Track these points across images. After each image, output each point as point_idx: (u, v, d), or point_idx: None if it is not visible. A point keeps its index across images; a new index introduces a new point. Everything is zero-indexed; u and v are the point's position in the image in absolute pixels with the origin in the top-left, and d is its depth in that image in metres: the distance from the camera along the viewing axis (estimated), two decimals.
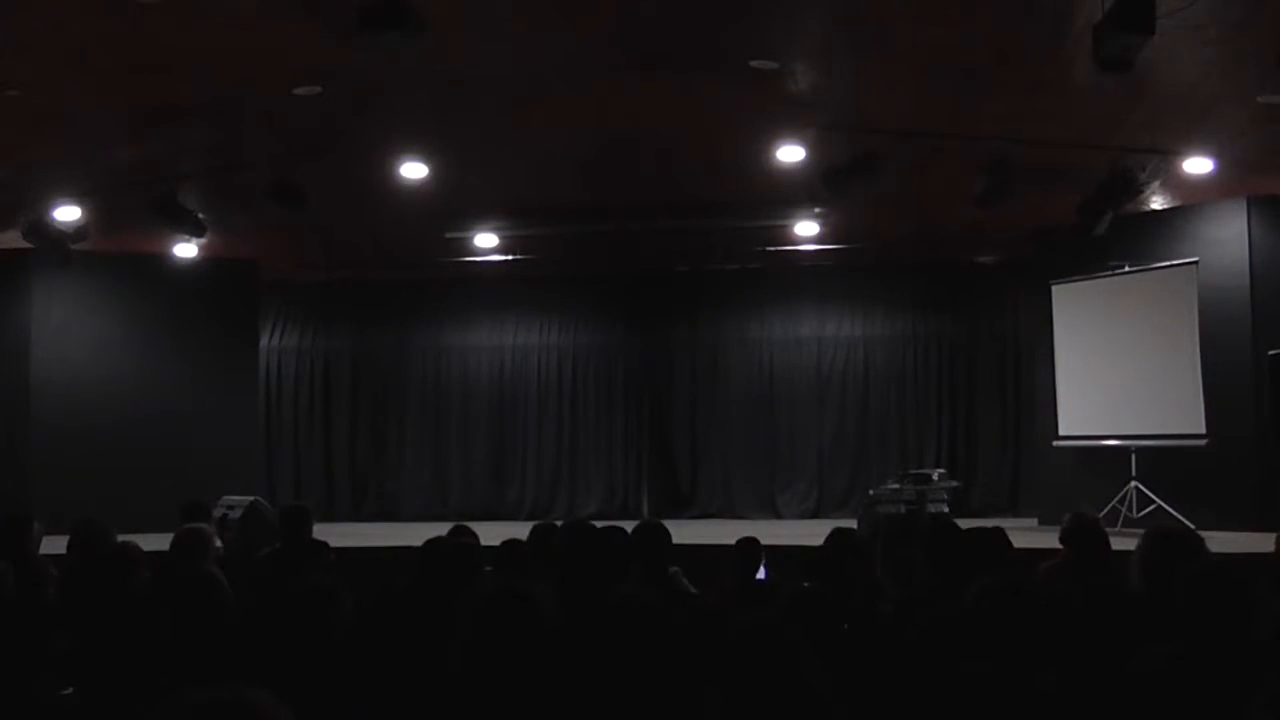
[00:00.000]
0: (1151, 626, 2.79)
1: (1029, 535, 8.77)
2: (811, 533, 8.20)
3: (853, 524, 8.28)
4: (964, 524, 4.59)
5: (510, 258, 11.82)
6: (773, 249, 11.89)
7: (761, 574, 5.60)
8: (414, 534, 4.73)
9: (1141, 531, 9.28)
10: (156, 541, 5.45)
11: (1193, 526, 8.26)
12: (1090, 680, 2.67)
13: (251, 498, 9.33)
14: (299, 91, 7.15)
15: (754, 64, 6.89)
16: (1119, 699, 2.54)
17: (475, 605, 2.64)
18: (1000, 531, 4.32)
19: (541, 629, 2.61)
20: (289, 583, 3.06)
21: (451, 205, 10.07)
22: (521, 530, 5.46)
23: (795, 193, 9.58)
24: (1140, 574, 3.32)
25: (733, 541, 5.72)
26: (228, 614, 3.41)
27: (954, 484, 10.23)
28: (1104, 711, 2.54)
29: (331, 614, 2.90)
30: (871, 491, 9.77)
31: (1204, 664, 2.48)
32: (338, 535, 9.40)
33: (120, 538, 4.77)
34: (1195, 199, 9.96)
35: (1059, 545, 4.73)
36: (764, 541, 5.80)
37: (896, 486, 9.49)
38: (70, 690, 2.91)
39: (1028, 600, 2.72)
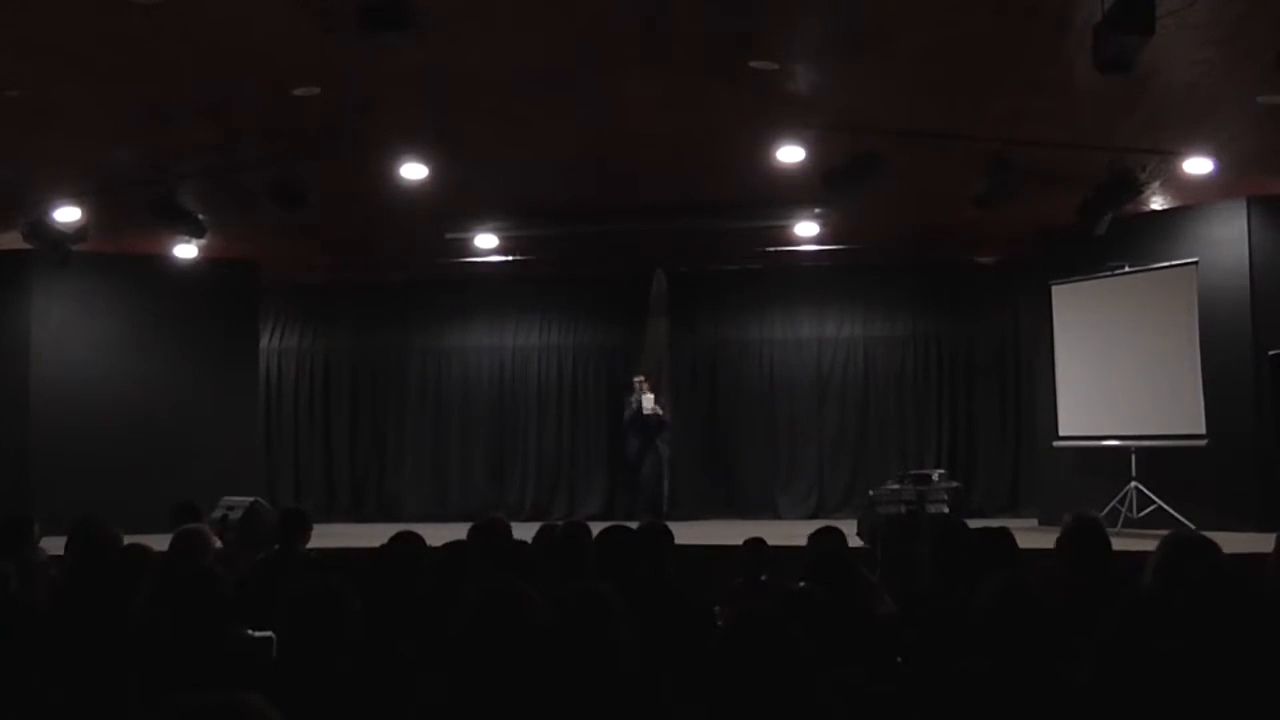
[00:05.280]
0: (1160, 626, 2.79)
1: (1029, 535, 8.75)
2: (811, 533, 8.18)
3: (844, 525, 8.26)
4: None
5: (510, 258, 11.83)
6: (773, 249, 11.89)
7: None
8: None
9: (1140, 532, 9.26)
10: (155, 543, 5.44)
11: (1193, 526, 8.26)
12: (1092, 677, 2.67)
13: (251, 498, 9.35)
14: (299, 91, 7.15)
15: (754, 64, 6.89)
16: (1120, 696, 2.54)
17: (468, 606, 2.64)
18: (1005, 532, 4.32)
19: (534, 628, 2.61)
20: (290, 586, 3.05)
21: (451, 205, 10.07)
22: (522, 532, 5.46)
23: (795, 193, 9.57)
24: (1154, 575, 3.32)
25: (731, 542, 5.74)
26: (229, 614, 3.41)
27: (954, 484, 10.22)
28: (1105, 709, 2.54)
29: (340, 617, 2.89)
30: (871, 492, 9.76)
31: (1206, 663, 2.48)
32: (338, 535, 9.44)
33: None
34: (1195, 199, 9.96)
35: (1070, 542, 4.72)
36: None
37: (896, 487, 9.48)
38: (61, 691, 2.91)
39: (1034, 599, 2.72)
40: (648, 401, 11.93)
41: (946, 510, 9.28)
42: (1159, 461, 9.62)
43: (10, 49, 6.45)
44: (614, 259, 12.29)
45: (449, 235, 10.92)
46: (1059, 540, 4.16)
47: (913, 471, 9.97)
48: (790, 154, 8.41)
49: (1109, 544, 4.17)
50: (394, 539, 4.57)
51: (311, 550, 5.87)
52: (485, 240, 11.14)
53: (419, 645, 3.27)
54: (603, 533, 4.67)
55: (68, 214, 9.47)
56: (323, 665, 2.78)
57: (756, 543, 5.76)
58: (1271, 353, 9.28)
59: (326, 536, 8.05)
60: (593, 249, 11.62)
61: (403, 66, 6.43)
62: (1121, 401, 10.06)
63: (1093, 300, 10.41)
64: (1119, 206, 8.82)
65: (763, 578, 5.54)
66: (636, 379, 12.25)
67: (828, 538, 4.85)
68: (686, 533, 7.98)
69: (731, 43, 6.62)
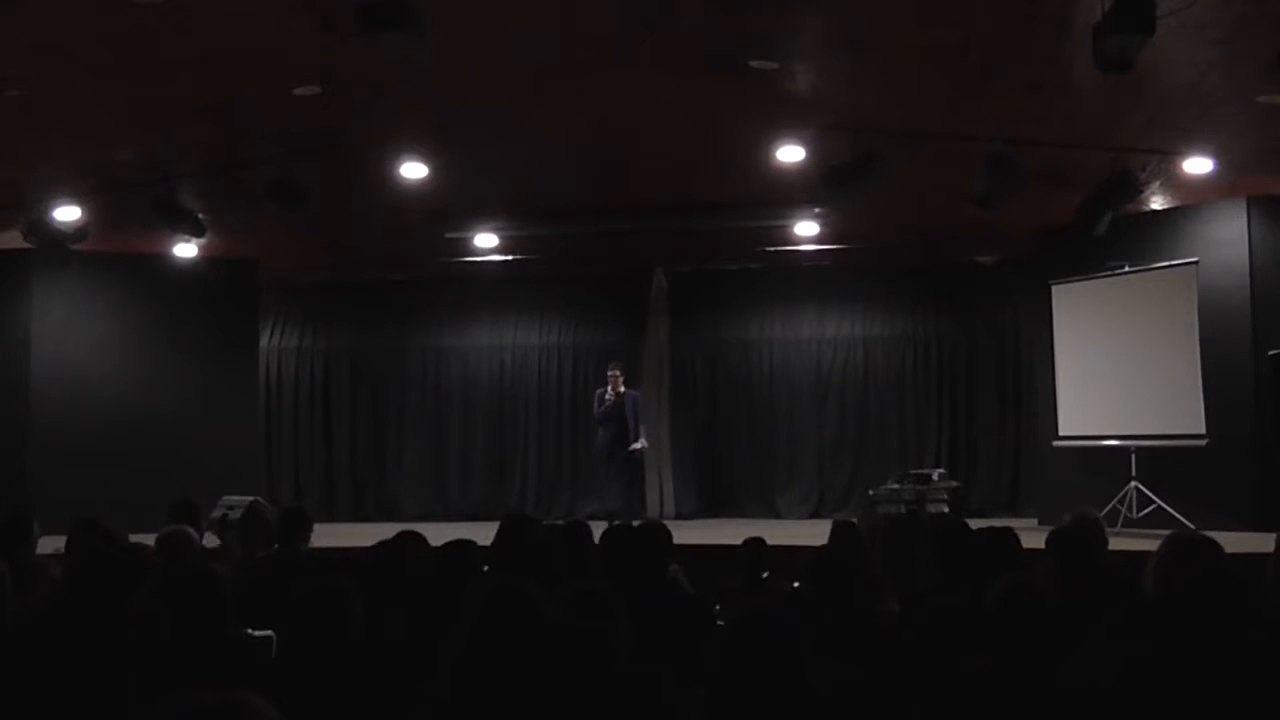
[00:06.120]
0: (1160, 627, 2.79)
1: (1029, 535, 8.75)
2: (811, 533, 8.20)
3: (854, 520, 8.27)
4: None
5: (510, 258, 11.82)
6: (773, 249, 11.89)
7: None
8: None
9: (1141, 532, 9.25)
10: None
11: (1193, 526, 8.26)
12: (1092, 678, 2.66)
13: (251, 498, 9.34)
14: (299, 91, 7.15)
15: (754, 64, 6.89)
16: (1120, 697, 2.53)
17: (475, 605, 2.64)
18: (1009, 531, 4.32)
19: (535, 628, 2.61)
20: (291, 585, 3.05)
21: (451, 205, 10.07)
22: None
23: (795, 193, 9.57)
24: (1154, 578, 3.32)
25: (731, 542, 5.75)
26: (229, 614, 3.41)
27: (954, 484, 10.22)
28: (1106, 710, 2.54)
29: (342, 616, 2.88)
30: (871, 491, 9.76)
31: (1206, 664, 2.47)
32: (338, 535, 9.42)
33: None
34: (1195, 199, 9.96)
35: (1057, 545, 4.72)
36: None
37: (896, 486, 9.48)
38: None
39: (1041, 600, 2.72)
40: (639, 444, 10.96)
41: (946, 510, 9.28)
42: (1159, 461, 9.62)
43: (10, 49, 6.45)
44: (614, 259, 12.29)
45: (449, 235, 10.92)
46: (1049, 539, 4.17)
47: (913, 471, 9.98)
48: (790, 154, 8.40)
49: (1105, 543, 4.18)
50: (394, 539, 4.58)
51: (312, 549, 5.87)
52: (485, 240, 11.13)
53: (419, 645, 3.27)
54: (604, 533, 4.69)
55: (68, 214, 9.47)
56: (323, 665, 2.78)
57: (756, 543, 5.77)
58: (1271, 353, 9.27)
59: (326, 536, 8.04)
60: (593, 249, 11.61)
61: (403, 66, 6.42)
62: (1121, 401, 10.06)
63: (1093, 300, 10.41)
64: (1119, 206, 8.81)
65: (764, 576, 5.55)
66: (611, 372, 11.30)
67: (844, 533, 4.86)
68: (686, 533, 7.99)
69: (731, 43, 6.62)
